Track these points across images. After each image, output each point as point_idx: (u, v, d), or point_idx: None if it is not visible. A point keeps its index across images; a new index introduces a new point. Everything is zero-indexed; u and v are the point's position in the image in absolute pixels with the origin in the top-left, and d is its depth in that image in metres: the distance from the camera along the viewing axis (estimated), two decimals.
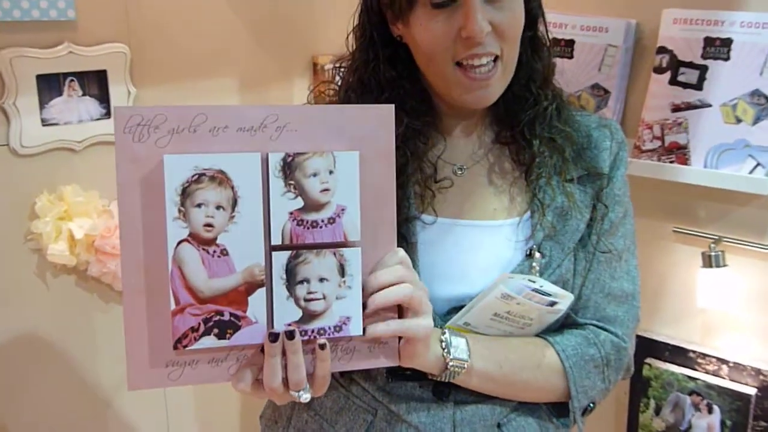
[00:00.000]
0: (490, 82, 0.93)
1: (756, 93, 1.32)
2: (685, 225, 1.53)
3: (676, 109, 1.41)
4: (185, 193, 0.77)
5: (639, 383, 1.60)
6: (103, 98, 1.67)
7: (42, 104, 1.64)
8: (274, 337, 0.79)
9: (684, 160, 1.42)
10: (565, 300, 0.95)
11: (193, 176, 0.77)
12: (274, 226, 0.79)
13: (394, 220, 0.85)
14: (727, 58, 1.35)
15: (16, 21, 1.59)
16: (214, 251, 0.78)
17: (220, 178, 0.78)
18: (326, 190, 0.81)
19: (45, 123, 1.65)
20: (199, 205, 0.77)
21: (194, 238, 0.78)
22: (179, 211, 0.77)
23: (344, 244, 0.82)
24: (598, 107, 1.50)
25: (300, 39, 1.96)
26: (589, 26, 1.53)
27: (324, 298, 0.81)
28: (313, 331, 0.81)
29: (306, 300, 0.81)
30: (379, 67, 0.97)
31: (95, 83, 1.66)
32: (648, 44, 1.52)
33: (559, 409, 1.01)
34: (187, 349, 0.79)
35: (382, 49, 0.97)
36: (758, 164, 1.31)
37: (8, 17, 1.58)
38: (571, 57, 1.54)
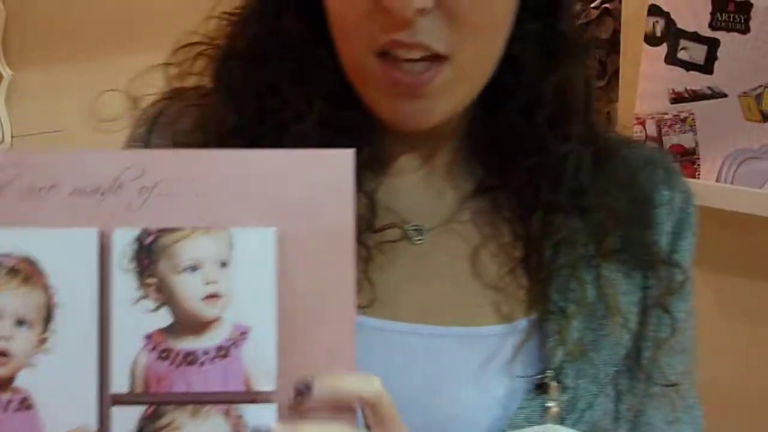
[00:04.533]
0: (428, 90, 0.55)
1: None
2: None
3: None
4: None
5: None
6: None
7: None
8: None
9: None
10: None
11: None
12: (117, 359, 0.45)
13: (352, 351, 0.48)
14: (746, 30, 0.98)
15: None
16: (9, 402, 0.45)
17: (27, 272, 0.45)
18: (214, 296, 0.46)
19: None
20: None
21: None
22: None
23: (247, 397, 0.46)
24: None
25: None
26: None
27: None
28: None
29: None
30: (283, 19, 0.60)
31: None
32: None
33: None
34: None
35: None
36: None
37: None
38: (744, 31, 1.04)
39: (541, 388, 0.61)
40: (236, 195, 0.47)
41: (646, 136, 1.11)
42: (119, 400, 0.45)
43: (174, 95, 0.65)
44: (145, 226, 0.46)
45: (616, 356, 0.63)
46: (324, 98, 0.59)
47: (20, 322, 0.45)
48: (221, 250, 0.46)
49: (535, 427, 0.59)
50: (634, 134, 1.09)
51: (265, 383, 0.46)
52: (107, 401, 0.45)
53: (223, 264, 0.46)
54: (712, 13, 1.05)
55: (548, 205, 0.62)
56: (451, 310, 0.62)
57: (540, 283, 0.62)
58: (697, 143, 1.10)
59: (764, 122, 1.05)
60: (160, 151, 0.50)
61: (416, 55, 0.54)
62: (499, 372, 0.61)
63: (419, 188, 0.64)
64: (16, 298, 0.45)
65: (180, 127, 0.63)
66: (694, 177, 1.09)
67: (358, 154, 0.51)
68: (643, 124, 1.13)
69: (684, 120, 1.09)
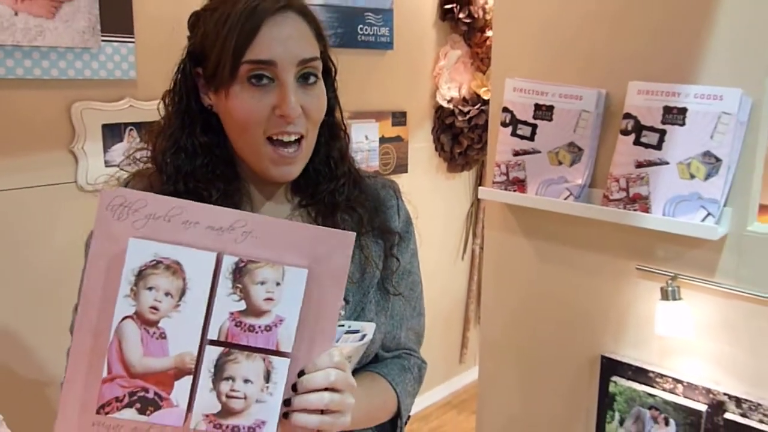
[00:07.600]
0: (296, 160, 1.04)
1: (707, 154, 1.59)
2: (647, 263, 1.78)
3: (640, 165, 1.69)
4: (140, 275, 0.83)
5: (606, 398, 1.84)
6: None
7: (105, 148, 2.06)
8: None
9: (646, 209, 1.68)
10: (370, 330, 1.06)
11: (151, 261, 0.83)
12: (213, 321, 0.84)
13: (333, 336, 0.89)
14: (683, 124, 1.62)
15: (86, 79, 2.01)
16: (154, 333, 0.84)
17: (175, 268, 0.84)
18: (270, 299, 0.85)
19: (107, 164, 2.06)
20: (150, 288, 0.83)
21: (139, 317, 0.83)
22: (131, 290, 0.83)
23: (276, 353, 0.86)
24: (573, 161, 1.83)
25: None
26: (567, 94, 1.82)
27: (245, 398, 0.85)
28: (227, 427, 0.85)
29: (228, 396, 0.85)
30: (195, 132, 1.06)
31: None
32: (615, 110, 1.78)
33: (382, 428, 1.21)
34: (109, 416, 0.84)
35: (199, 115, 1.06)
36: (708, 214, 1.60)
37: (80, 76, 1.99)
38: (551, 120, 1.86)
39: None
40: (290, 246, 0.86)
41: (500, 173, 1.93)
42: (211, 342, 0.85)
43: (136, 174, 1.11)
44: (241, 257, 0.85)
45: (373, 281, 1.14)
46: (219, 174, 1.06)
47: (167, 294, 0.84)
48: (278, 276, 0.85)
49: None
50: (495, 173, 1.94)
51: (286, 347, 0.86)
52: (205, 342, 0.85)
53: (278, 283, 0.85)
54: (534, 111, 1.86)
55: (335, 207, 1.12)
56: None
57: None
58: (526, 176, 1.89)
59: (559, 165, 1.83)
60: (257, 215, 0.87)
61: (294, 138, 1.02)
62: None
63: (271, 207, 1.13)
64: (168, 281, 0.84)
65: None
66: (524, 193, 1.90)
67: (238, 193, 1.05)
68: (499, 166, 1.92)
69: (519, 165, 1.90)
